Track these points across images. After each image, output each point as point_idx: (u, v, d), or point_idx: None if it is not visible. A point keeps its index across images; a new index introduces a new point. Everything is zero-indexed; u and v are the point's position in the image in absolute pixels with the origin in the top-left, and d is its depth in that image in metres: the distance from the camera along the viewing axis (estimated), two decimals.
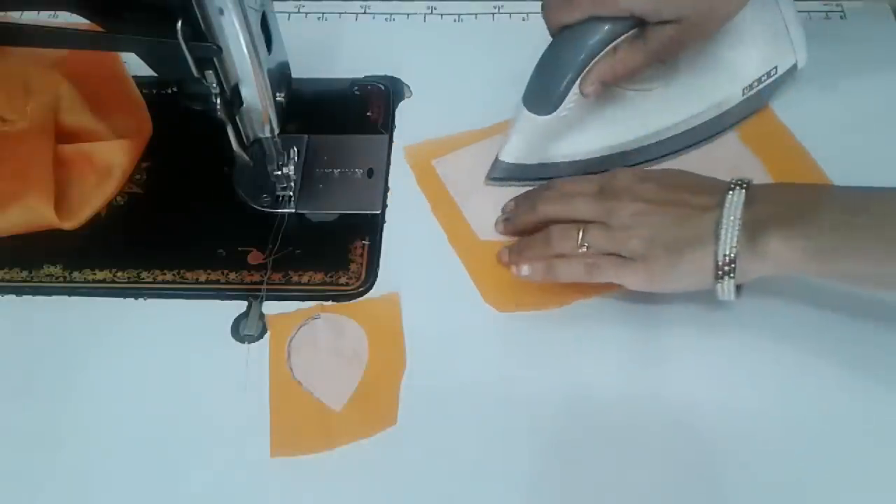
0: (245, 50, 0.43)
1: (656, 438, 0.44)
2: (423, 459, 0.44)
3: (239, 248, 0.52)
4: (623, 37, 0.46)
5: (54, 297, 0.50)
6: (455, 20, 0.64)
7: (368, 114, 0.59)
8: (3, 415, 0.46)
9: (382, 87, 0.60)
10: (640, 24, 0.45)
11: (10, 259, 0.52)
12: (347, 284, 0.50)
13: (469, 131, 0.57)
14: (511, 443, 0.44)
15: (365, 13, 0.65)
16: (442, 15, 0.64)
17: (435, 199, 0.54)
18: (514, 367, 0.47)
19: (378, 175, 0.55)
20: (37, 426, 0.46)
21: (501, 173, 0.53)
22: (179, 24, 0.40)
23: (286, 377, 0.47)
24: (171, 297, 0.50)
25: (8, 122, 0.53)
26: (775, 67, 0.54)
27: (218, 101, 0.44)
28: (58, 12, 0.58)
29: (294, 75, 0.51)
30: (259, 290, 0.50)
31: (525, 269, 0.47)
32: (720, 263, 0.41)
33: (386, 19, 0.64)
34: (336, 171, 0.55)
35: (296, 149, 0.54)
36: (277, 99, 0.47)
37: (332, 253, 0.52)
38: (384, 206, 0.54)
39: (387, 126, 0.58)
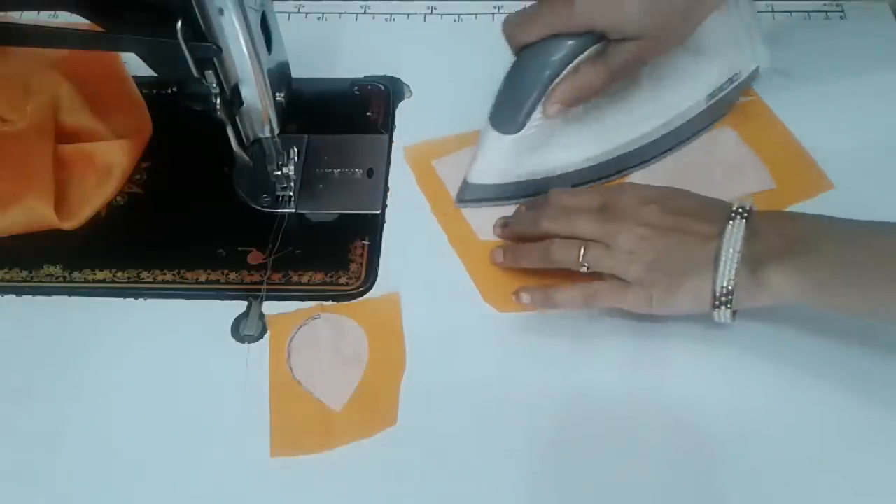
0: (245, 50, 0.43)
1: (656, 439, 0.44)
2: (423, 459, 0.44)
3: (239, 248, 0.52)
4: (585, 54, 0.45)
5: (54, 297, 0.50)
6: (455, 20, 0.64)
7: (368, 114, 0.59)
8: (3, 415, 0.46)
9: (382, 87, 0.60)
10: (600, 40, 0.45)
11: (10, 259, 0.52)
12: (347, 284, 0.50)
13: (469, 131, 0.57)
14: (511, 443, 0.44)
15: (365, 13, 0.65)
16: (442, 15, 0.65)
17: (435, 199, 0.54)
18: (514, 367, 0.47)
19: (378, 175, 0.55)
20: (37, 426, 0.46)
21: (471, 194, 0.53)
22: (179, 24, 0.40)
23: (286, 377, 0.47)
24: (171, 297, 0.50)
25: (8, 122, 0.53)
26: (738, 73, 0.54)
27: (218, 101, 0.44)
28: (58, 12, 0.58)
29: (294, 75, 0.51)
30: (259, 290, 0.50)
31: (525, 298, 0.47)
32: (717, 294, 0.42)
33: (386, 19, 0.64)
34: (336, 171, 0.55)
35: (296, 149, 0.54)
36: (277, 99, 0.47)
37: (332, 253, 0.52)
38: (384, 206, 0.54)
39: (387, 126, 0.58)
